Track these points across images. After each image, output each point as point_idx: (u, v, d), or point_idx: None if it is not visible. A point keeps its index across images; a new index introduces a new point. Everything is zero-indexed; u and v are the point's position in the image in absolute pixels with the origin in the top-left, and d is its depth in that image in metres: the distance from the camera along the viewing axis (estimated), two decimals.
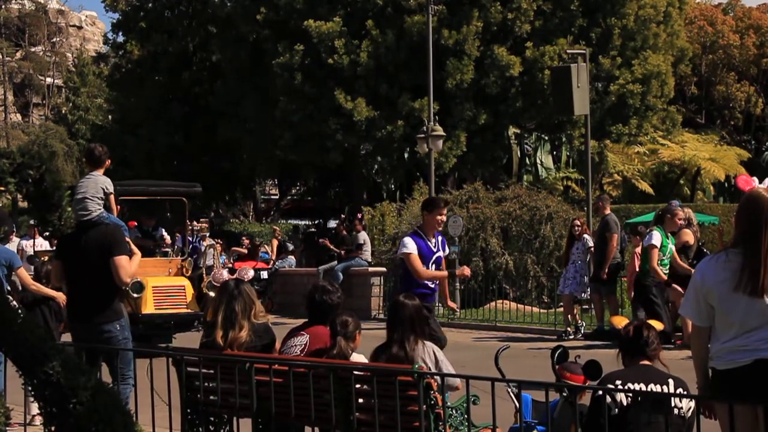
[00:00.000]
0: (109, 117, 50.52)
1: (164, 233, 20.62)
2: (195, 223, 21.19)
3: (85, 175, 9.60)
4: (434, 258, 10.32)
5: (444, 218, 10.54)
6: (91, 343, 8.53)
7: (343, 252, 25.29)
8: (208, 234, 29.59)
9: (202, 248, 23.02)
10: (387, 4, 31.73)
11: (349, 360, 6.95)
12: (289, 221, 44.08)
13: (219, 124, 37.24)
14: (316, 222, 46.14)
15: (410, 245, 10.24)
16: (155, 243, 19.82)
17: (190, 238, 23.16)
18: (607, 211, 18.69)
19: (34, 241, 26.50)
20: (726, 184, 47.65)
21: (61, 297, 10.47)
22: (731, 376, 5.45)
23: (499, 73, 31.53)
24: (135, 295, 16.38)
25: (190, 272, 18.09)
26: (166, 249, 19.98)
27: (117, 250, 8.78)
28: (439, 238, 10.53)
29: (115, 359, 8.39)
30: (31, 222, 28.80)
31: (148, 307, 16.66)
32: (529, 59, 31.70)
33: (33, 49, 67.45)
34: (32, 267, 15.65)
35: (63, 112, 64.91)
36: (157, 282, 17.13)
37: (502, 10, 31.70)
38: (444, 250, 10.59)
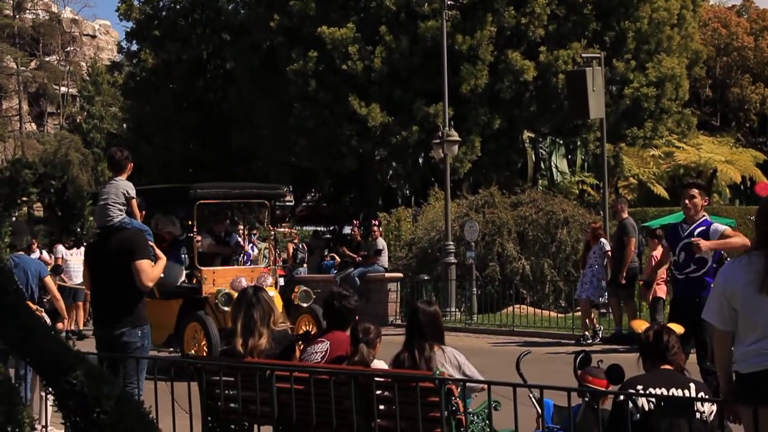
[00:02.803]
0: (124, 125, 50.55)
1: (239, 239, 19.06)
2: (276, 228, 19.86)
3: (106, 182, 9.66)
4: (681, 244, 9.65)
5: (688, 201, 9.76)
6: (114, 349, 8.57)
7: (358, 258, 25.19)
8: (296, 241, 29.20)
9: (256, 251, 22.19)
10: (400, 10, 31.71)
11: (370, 367, 6.95)
12: (304, 227, 44.05)
13: (233, 132, 37.25)
14: (331, 228, 46.12)
15: None
16: (232, 250, 18.19)
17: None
18: (625, 215, 18.66)
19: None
20: (742, 187, 47.53)
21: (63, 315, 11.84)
22: (755, 379, 5.43)
23: (513, 77, 31.50)
24: (224, 309, 14.96)
25: (275, 282, 16.84)
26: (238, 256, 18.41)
27: (139, 254, 8.78)
28: (699, 228, 9.57)
29: (129, 365, 8.37)
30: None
31: None
32: (543, 64, 31.65)
33: (47, 59, 67.46)
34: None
35: (77, 121, 64.95)
36: None
37: (515, 15, 31.66)
38: (701, 234, 9.46)
